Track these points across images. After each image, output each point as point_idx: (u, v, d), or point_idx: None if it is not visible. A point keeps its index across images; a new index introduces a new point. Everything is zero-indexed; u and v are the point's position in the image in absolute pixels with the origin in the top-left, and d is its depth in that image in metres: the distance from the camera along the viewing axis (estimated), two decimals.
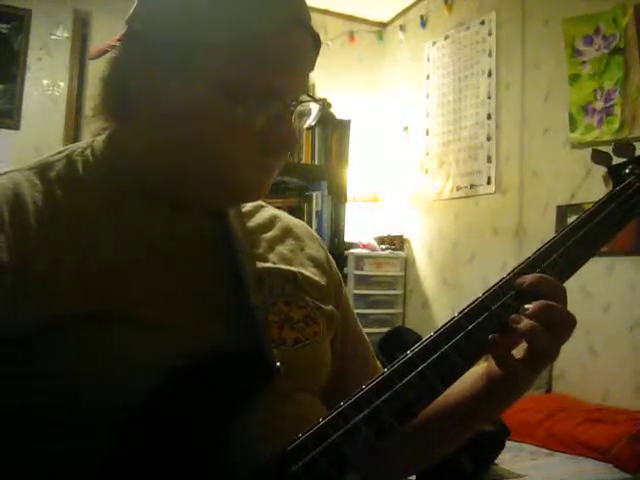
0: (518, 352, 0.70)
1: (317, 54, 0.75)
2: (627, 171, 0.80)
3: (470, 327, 0.68)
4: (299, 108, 0.75)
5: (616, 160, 0.82)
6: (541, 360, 0.70)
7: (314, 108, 0.77)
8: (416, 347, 0.68)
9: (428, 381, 0.66)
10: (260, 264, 0.79)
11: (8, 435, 0.64)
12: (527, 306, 0.69)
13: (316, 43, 0.74)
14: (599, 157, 0.82)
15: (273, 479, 0.62)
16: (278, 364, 0.67)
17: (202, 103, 0.70)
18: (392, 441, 0.65)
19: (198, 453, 0.63)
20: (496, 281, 0.72)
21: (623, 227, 0.76)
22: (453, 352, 0.67)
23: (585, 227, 0.75)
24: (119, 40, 0.73)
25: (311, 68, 0.75)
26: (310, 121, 0.78)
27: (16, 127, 3.61)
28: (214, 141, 0.70)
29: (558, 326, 0.68)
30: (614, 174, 0.80)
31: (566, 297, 0.71)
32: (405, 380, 0.66)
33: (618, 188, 0.78)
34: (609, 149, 0.84)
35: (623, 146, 0.82)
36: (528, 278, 0.70)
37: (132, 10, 0.73)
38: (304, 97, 0.75)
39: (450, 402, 0.77)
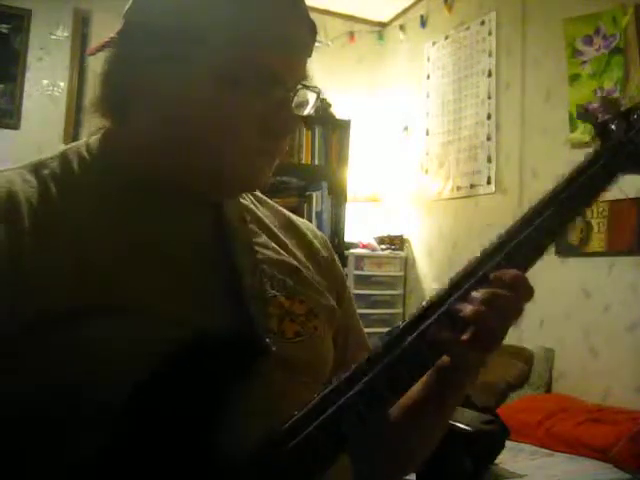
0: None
1: (314, 41, 0.76)
2: (613, 127, 0.80)
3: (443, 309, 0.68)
4: (296, 99, 0.75)
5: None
6: (488, 341, 0.68)
7: (311, 97, 0.78)
8: (405, 322, 0.68)
9: (417, 354, 0.67)
10: (260, 253, 0.79)
11: (4, 430, 0.64)
12: (474, 294, 0.68)
13: (313, 30, 0.75)
14: (585, 115, 0.82)
15: (271, 457, 0.63)
16: (268, 340, 0.67)
17: (202, 88, 0.70)
18: (383, 410, 0.66)
19: (190, 438, 0.63)
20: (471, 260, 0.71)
21: (612, 182, 0.76)
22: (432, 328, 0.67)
23: (572, 186, 0.73)
24: (117, 35, 0.73)
25: (309, 54, 0.75)
26: (308, 110, 0.78)
27: (16, 127, 3.62)
28: (214, 126, 0.70)
29: (502, 309, 0.67)
30: (601, 130, 0.80)
31: (525, 285, 0.69)
32: (396, 353, 0.66)
33: (606, 145, 0.77)
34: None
35: (609, 103, 0.83)
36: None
37: (129, 3, 0.73)
38: (301, 86, 0.75)
39: (412, 397, 0.78)
